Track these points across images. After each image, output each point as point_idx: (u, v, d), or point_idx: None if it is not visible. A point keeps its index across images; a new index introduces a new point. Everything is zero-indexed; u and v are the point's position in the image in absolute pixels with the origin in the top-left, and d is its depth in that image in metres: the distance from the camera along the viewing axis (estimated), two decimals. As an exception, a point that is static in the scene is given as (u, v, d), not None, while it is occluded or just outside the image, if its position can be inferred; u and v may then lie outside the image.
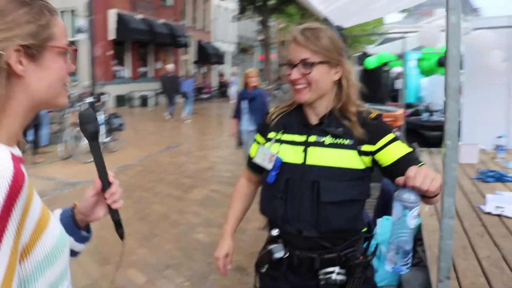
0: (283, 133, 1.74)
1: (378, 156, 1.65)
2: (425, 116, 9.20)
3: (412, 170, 1.35)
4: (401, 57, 13.28)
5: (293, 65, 1.65)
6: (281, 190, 1.69)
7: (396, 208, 1.36)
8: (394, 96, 15.04)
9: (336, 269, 1.68)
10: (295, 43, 1.65)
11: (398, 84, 15.89)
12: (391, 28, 33.89)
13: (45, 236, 0.93)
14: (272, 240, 1.73)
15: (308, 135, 1.69)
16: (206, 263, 4.31)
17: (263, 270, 1.80)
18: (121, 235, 1.20)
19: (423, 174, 1.33)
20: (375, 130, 1.65)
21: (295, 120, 1.75)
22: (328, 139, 1.66)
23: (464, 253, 2.38)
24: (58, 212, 1.22)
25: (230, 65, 35.56)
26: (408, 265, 1.38)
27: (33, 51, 0.93)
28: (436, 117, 9.71)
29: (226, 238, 1.90)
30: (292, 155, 1.70)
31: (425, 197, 1.41)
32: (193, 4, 30.42)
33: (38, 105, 0.99)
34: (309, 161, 1.66)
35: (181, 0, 28.00)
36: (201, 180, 7.69)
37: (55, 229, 0.97)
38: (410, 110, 10.06)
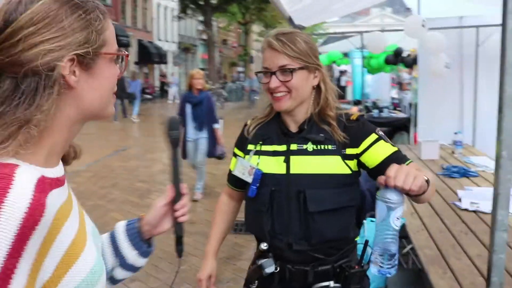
0: (261, 144, 1.68)
1: (363, 158, 1.59)
2: (375, 112, 9.41)
3: (392, 169, 1.28)
4: (346, 55, 13.70)
5: (271, 73, 1.58)
6: (266, 203, 1.62)
7: (379, 208, 1.29)
8: (340, 94, 15.31)
9: (331, 283, 1.61)
10: (270, 49, 1.58)
11: (343, 81, 16.25)
12: (330, 27, 34.55)
13: (75, 268, 0.83)
14: (261, 254, 1.65)
15: (289, 144, 1.63)
16: (174, 272, 4.13)
17: (254, 286, 1.71)
18: (180, 253, 1.17)
19: (405, 172, 1.26)
20: (357, 132, 1.60)
21: (273, 130, 1.68)
22: (310, 146, 1.60)
23: (455, 252, 2.38)
24: (122, 224, 1.17)
25: (172, 65, 35.04)
26: (395, 267, 1.33)
27: (87, 60, 0.85)
28: (385, 114, 9.98)
29: (208, 259, 1.82)
30: (273, 165, 1.63)
31: (411, 195, 1.35)
32: (132, 3, 29.70)
33: (87, 118, 0.91)
34: (293, 170, 1.60)
35: (120, -1, 27.25)
36: (157, 184, 7.44)
37: (88, 258, 0.87)
38: (359, 107, 10.25)
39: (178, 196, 1.14)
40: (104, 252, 1.12)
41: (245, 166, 1.68)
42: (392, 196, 1.27)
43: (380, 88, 12.82)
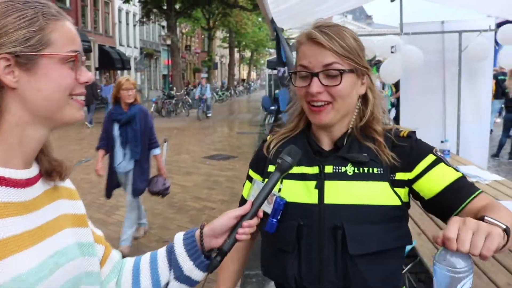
0: None
1: (417, 186, 1.26)
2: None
3: (451, 227, 0.92)
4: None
5: (312, 74, 1.23)
6: (291, 242, 1.27)
7: (438, 276, 0.93)
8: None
9: None
10: (312, 43, 1.23)
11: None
12: (292, 34, 34.63)
13: None
14: None
15: (323, 165, 1.28)
16: None
17: None
18: (213, 268, 1.11)
19: (471, 230, 0.91)
20: (410, 152, 1.27)
21: (301, 146, 1.29)
22: (350, 169, 1.26)
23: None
24: (180, 234, 1.16)
25: (134, 71, 34.30)
26: None
27: (24, 60, 0.86)
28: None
29: None
30: (301, 193, 1.29)
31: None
32: (93, 7, 28.88)
33: (41, 121, 0.91)
34: (328, 200, 1.25)
35: (80, 3, 26.42)
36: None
37: (18, 265, 0.81)
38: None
39: (252, 215, 1.11)
40: (158, 267, 1.14)
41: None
42: (456, 263, 0.91)
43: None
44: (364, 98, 1.32)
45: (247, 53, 58.61)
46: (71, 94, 0.93)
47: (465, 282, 0.91)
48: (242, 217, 1.11)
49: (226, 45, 45.18)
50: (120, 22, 33.12)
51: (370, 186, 1.24)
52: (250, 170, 1.49)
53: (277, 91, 20.39)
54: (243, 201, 1.47)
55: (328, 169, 1.28)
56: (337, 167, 1.27)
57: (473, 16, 5.10)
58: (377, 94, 1.33)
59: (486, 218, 0.99)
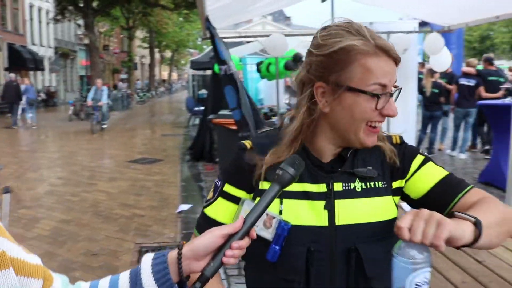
0: None
1: (407, 187, 1.21)
2: (275, 120, 9.27)
3: (405, 217, 0.93)
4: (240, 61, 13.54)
5: (390, 94, 1.10)
6: (300, 271, 1.13)
7: (396, 267, 0.92)
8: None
9: None
10: (388, 59, 1.07)
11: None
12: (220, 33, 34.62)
13: None
14: None
15: (331, 183, 1.16)
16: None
17: None
18: None
19: (423, 220, 0.90)
20: (403, 158, 1.21)
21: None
22: (358, 184, 1.16)
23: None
24: (149, 257, 0.94)
25: (49, 71, 32.54)
26: None
27: None
28: (286, 120, 9.90)
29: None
30: (307, 214, 1.15)
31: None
32: None
33: None
34: (340, 221, 1.13)
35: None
36: (44, 209, 6.45)
37: None
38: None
39: (243, 234, 0.94)
40: None
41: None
42: (412, 254, 0.90)
43: (272, 94, 12.82)
44: None
45: (168, 54, 57.63)
46: None
47: (422, 272, 0.90)
48: (231, 237, 0.93)
49: (146, 45, 44.10)
50: (31, 19, 31.18)
51: (377, 202, 1.17)
52: (228, 185, 1.23)
53: (200, 92, 20.21)
54: (203, 221, 1.24)
55: (338, 186, 1.16)
56: (346, 184, 1.16)
57: (398, 19, 5.26)
58: None
59: (456, 213, 1.00)
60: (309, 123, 1.15)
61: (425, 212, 0.92)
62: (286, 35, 7.50)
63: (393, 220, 1.16)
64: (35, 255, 0.87)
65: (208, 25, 3.81)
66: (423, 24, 5.44)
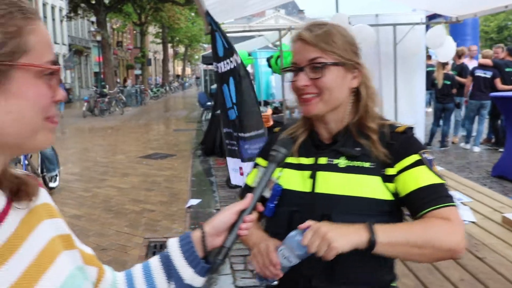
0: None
1: (396, 182, 1.29)
2: (287, 113, 9.25)
3: (309, 233, 1.14)
4: (249, 55, 13.53)
5: (299, 68, 1.33)
6: (284, 226, 1.31)
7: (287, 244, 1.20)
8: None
9: None
10: (300, 42, 1.34)
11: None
12: (226, 28, 34.61)
13: None
14: None
15: (317, 157, 1.37)
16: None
17: None
18: (218, 267, 1.06)
19: (319, 238, 1.11)
20: (398, 148, 1.31)
21: (304, 139, 1.43)
22: (343, 162, 1.33)
23: (435, 278, 2.09)
24: (175, 240, 1.05)
25: (63, 69, 32.85)
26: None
27: None
28: (296, 114, 9.90)
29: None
30: (297, 181, 1.38)
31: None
32: (15, 2, 27.28)
33: (6, 147, 0.72)
34: (319, 189, 1.33)
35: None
36: (56, 204, 6.53)
37: None
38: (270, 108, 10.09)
39: (251, 209, 1.10)
40: (154, 280, 1.03)
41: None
42: (297, 249, 1.17)
43: (284, 88, 12.79)
44: (357, 93, 1.37)
45: (181, 49, 57.80)
46: (46, 117, 0.74)
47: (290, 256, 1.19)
48: (242, 212, 1.09)
49: (159, 40, 44.23)
50: (45, 17, 31.52)
51: (361, 179, 1.30)
52: (258, 158, 1.55)
53: (212, 87, 20.23)
54: (246, 188, 1.52)
55: (322, 160, 1.36)
56: (331, 160, 1.34)
57: (404, 10, 5.19)
58: (371, 91, 1.37)
59: (371, 224, 1.16)
60: None
61: (321, 230, 1.12)
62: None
63: (376, 200, 1.27)
64: (89, 248, 1.00)
65: (209, 19, 3.79)
66: (432, 17, 5.37)
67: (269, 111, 7.62)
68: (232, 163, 4.50)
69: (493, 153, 8.91)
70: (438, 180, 1.26)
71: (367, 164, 1.31)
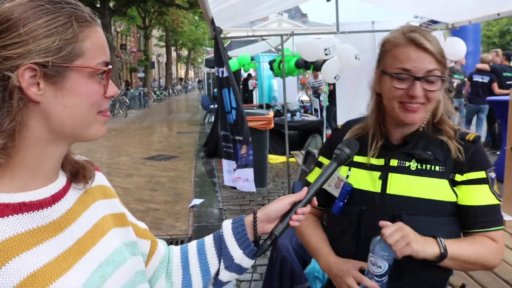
0: (356, 154, 1.39)
1: (458, 189, 1.37)
2: (288, 116, 9.39)
3: (391, 227, 1.25)
4: (252, 59, 13.69)
5: (414, 77, 1.31)
6: (353, 224, 1.41)
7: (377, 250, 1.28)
8: (246, 97, 15.34)
9: None
10: (416, 48, 1.31)
11: (250, 85, 16.27)
12: (231, 32, 34.75)
13: None
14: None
15: (388, 159, 1.41)
16: None
17: None
18: (263, 251, 1.11)
19: (400, 234, 1.23)
20: (471, 157, 1.38)
21: (372, 140, 1.46)
22: (413, 164, 1.39)
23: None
24: (228, 222, 1.14)
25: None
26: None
27: (52, 72, 0.76)
28: (298, 117, 10.06)
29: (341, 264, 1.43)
30: (367, 181, 1.43)
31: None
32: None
33: (63, 138, 0.83)
34: (390, 190, 1.39)
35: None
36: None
37: (68, 285, 0.76)
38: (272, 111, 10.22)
39: (306, 202, 1.13)
40: (206, 257, 1.13)
41: (333, 177, 1.42)
42: (381, 250, 1.25)
43: (288, 91, 12.91)
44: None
45: (184, 52, 58.03)
46: (99, 111, 0.86)
47: (377, 261, 1.26)
48: (295, 204, 1.13)
49: (162, 44, 44.47)
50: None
51: (431, 182, 1.35)
52: (321, 157, 1.60)
53: (215, 90, 20.38)
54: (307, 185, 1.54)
55: (394, 162, 1.40)
56: (402, 162, 1.39)
57: (400, 17, 5.36)
58: (446, 96, 1.43)
59: (441, 239, 1.28)
60: (376, 109, 1.45)
61: (406, 229, 1.24)
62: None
63: (444, 202, 1.35)
64: (142, 222, 1.13)
65: (214, 27, 3.96)
66: (430, 23, 5.52)
67: (271, 114, 7.76)
68: (227, 164, 4.64)
69: (491, 156, 9.05)
70: (494, 201, 1.37)
71: (437, 168, 1.36)
